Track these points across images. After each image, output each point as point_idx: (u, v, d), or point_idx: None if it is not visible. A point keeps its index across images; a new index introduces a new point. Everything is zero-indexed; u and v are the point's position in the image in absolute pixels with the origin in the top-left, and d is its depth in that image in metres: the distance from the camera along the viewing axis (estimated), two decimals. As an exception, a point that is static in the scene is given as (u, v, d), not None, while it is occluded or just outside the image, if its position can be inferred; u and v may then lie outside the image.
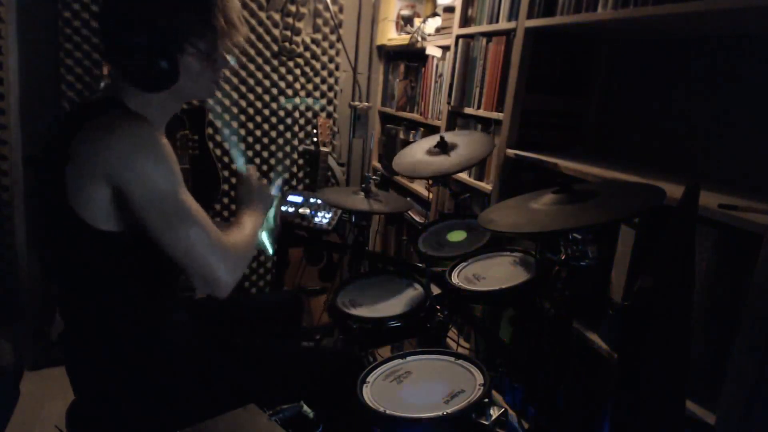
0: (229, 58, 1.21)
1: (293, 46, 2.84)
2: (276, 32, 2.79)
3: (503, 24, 1.94)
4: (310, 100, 1.43)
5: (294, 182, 3.04)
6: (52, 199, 1.08)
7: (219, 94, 2.73)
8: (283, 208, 2.29)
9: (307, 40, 2.87)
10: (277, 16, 2.78)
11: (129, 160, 1.01)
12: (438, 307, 1.64)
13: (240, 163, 1.49)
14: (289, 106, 1.42)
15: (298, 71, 2.88)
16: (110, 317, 1.14)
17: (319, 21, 2.87)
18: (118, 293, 1.13)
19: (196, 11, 1.09)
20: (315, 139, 2.75)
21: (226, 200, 2.88)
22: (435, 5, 2.63)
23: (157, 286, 1.20)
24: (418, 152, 1.92)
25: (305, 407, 1.04)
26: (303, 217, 2.29)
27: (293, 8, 2.78)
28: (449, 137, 1.88)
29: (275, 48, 2.80)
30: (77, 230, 1.05)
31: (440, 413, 1.02)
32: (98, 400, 1.17)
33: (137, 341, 1.17)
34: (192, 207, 1.08)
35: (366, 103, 2.79)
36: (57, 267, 1.16)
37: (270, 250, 1.49)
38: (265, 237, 1.49)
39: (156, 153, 1.04)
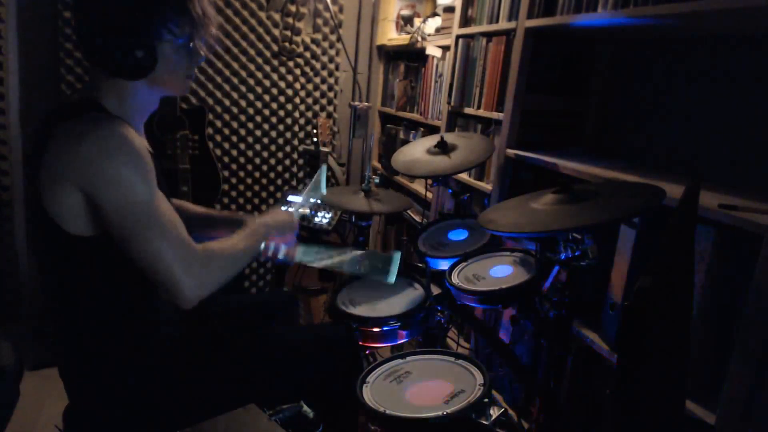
0: (202, 53, 1.19)
1: (293, 46, 2.84)
2: (276, 32, 2.79)
3: (503, 24, 1.94)
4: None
5: (294, 182, 3.04)
6: (31, 204, 1.07)
7: (219, 94, 2.73)
8: (283, 208, 2.29)
9: (307, 40, 2.87)
10: (277, 16, 2.78)
11: (98, 166, 0.99)
12: (438, 307, 1.64)
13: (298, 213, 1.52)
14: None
15: (298, 71, 2.88)
16: (98, 320, 1.12)
17: (319, 21, 2.87)
18: (104, 295, 1.11)
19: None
20: (315, 139, 2.75)
21: (225, 200, 2.88)
22: (435, 5, 2.63)
23: (144, 287, 1.19)
24: (417, 151, 1.92)
25: (305, 407, 1.04)
26: (303, 217, 2.29)
27: (293, 8, 2.78)
28: (449, 138, 1.88)
29: (275, 48, 2.80)
30: (54, 234, 1.04)
31: (440, 413, 1.03)
32: (93, 402, 1.17)
33: (129, 343, 1.16)
34: (161, 216, 1.05)
35: (366, 103, 2.79)
36: (43, 268, 1.15)
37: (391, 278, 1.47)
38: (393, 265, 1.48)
39: (127, 160, 1.02)
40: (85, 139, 1.00)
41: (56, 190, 1.01)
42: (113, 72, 1.08)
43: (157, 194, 1.06)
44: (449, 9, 2.40)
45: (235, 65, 2.73)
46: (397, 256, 1.50)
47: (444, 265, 1.68)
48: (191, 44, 1.14)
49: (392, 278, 1.45)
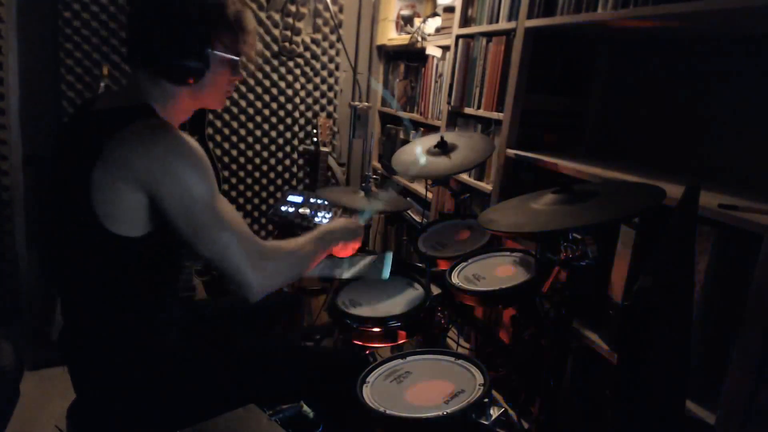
0: (242, 71, 1.26)
1: (293, 46, 2.84)
2: (276, 32, 2.79)
3: (503, 24, 1.94)
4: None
5: (294, 182, 3.04)
6: (70, 201, 1.09)
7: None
8: (283, 208, 2.29)
9: (307, 40, 2.87)
10: (277, 16, 2.78)
11: (169, 168, 1.03)
12: (438, 307, 1.64)
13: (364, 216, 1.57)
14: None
15: (298, 71, 2.88)
16: (111, 317, 1.14)
17: (319, 21, 2.87)
18: (121, 294, 1.13)
19: (231, 13, 1.14)
20: (315, 139, 2.75)
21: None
22: (435, 5, 2.63)
23: (159, 288, 1.20)
24: (417, 151, 1.92)
25: (305, 407, 1.04)
26: (303, 217, 2.29)
27: (293, 8, 2.78)
28: (449, 138, 1.88)
29: (275, 48, 2.80)
30: (93, 233, 1.05)
31: (440, 413, 1.02)
32: (99, 400, 1.17)
33: (137, 341, 1.17)
34: (226, 213, 1.10)
35: (366, 103, 2.79)
36: (62, 266, 1.16)
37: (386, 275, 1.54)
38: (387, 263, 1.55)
39: (194, 161, 1.06)
40: (157, 143, 1.03)
41: (115, 189, 1.03)
42: (164, 75, 1.12)
43: (219, 194, 1.11)
44: (449, 9, 2.40)
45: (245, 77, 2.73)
46: (389, 254, 1.58)
47: (444, 265, 1.67)
48: (237, 59, 1.19)
49: (387, 274, 1.53)
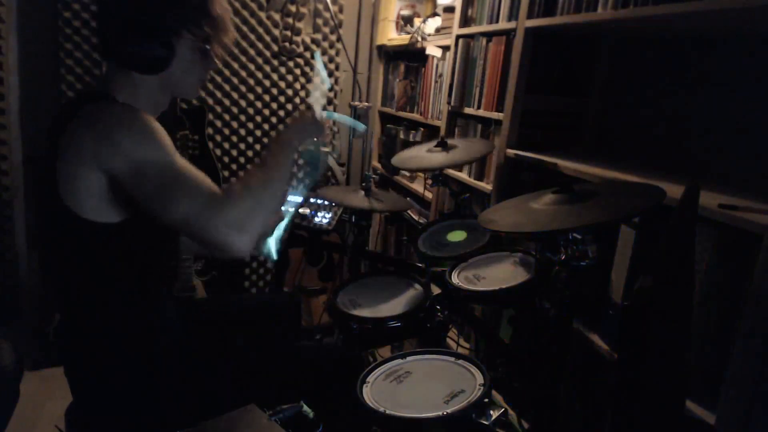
0: (217, 59, 1.22)
1: (293, 46, 2.84)
2: (276, 32, 2.79)
3: (503, 24, 1.94)
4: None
5: (294, 182, 3.04)
6: (45, 195, 1.08)
7: (219, 94, 2.73)
8: (283, 209, 2.29)
9: (307, 40, 2.87)
10: (277, 16, 2.78)
11: (113, 139, 1.01)
12: (438, 307, 1.64)
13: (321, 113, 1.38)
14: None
15: (298, 71, 2.88)
16: (105, 315, 1.14)
17: (319, 21, 2.87)
18: (113, 291, 1.13)
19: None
20: (315, 139, 2.75)
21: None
22: (435, 5, 2.63)
23: (150, 280, 1.19)
24: (417, 150, 1.93)
25: (305, 407, 1.04)
26: (303, 217, 2.29)
27: (293, 8, 2.78)
28: (450, 141, 1.88)
29: (275, 48, 2.80)
30: (69, 224, 1.05)
31: (440, 413, 1.02)
32: (96, 401, 1.17)
33: (134, 340, 1.17)
34: (181, 175, 1.04)
35: (366, 103, 2.79)
36: (52, 263, 1.16)
37: (274, 256, 1.43)
38: (271, 243, 1.44)
39: (140, 128, 1.03)
40: (100, 118, 1.02)
41: (75, 175, 1.02)
42: (128, 64, 1.10)
43: (175, 156, 1.06)
44: (449, 9, 2.40)
45: (235, 65, 2.73)
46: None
47: (444, 265, 1.67)
48: (207, 47, 1.16)
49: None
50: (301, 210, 2.24)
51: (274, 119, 2.89)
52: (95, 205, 1.04)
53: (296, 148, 1.23)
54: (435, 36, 2.52)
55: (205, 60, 1.18)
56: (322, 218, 2.39)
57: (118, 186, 1.03)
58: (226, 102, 2.76)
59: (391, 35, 2.97)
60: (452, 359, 1.22)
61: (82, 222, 1.04)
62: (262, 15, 2.74)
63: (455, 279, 1.53)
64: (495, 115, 1.98)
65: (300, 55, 2.86)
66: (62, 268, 1.14)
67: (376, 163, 3.27)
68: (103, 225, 1.06)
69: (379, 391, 1.12)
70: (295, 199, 2.43)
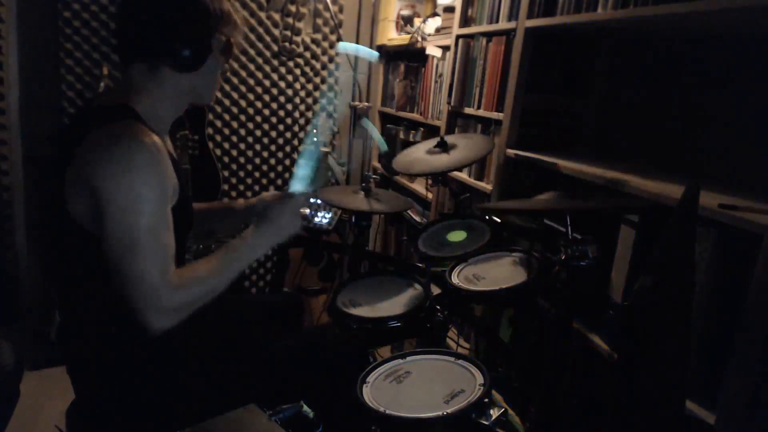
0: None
1: (293, 46, 2.84)
2: (276, 32, 2.79)
3: (503, 24, 1.94)
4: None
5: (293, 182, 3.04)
6: (51, 197, 1.10)
7: (219, 94, 2.73)
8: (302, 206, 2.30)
9: (307, 40, 2.87)
10: (277, 16, 2.78)
11: (117, 177, 1.01)
12: (438, 307, 1.64)
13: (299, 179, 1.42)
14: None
15: (298, 71, 2.88)
16: (108, 315, 1.14)
17: (319, 21, 2.87)
18: (112, 292, 1.13)
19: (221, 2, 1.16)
20: (315, 139, 2.75)
21: (226, 200, 2.87)
22: (435, 5, 2.63)
23: None
24: (417, 152, 1.92)
25: (305, 407, 1.04)
26: (303, 217, 2.29)
27: (293, 8, 2.78)
28: (449, 139, 1.88)
29: (275, 48, 2.80)
30: (70, 229, 1.06)
31: (440, 413, 1.03)
32: (97, 400, 1.17)
33: (135, 340, 1.17)
34: (153, 243, 1.04)
35: (366, 103, 2.79)
36: (55, 264, 1.17)
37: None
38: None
39: (149, 176, 1.03)
40: (114, 150, 1.02)
41: (79, 190, 1.04)
42: (167, 62, 1.11)
43: (161, 222, 1.06)
44: (449, 9, 2.40)
45: (235, 65, 2.73)
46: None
47: (444, 265, 1.67)
48: (230, 47, 1.21)
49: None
50: (301, 210, 2.24)
51: (274, 119, 2.89)
52: (88, 217, 1.05)
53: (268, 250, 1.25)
54: (435, 36, 2.52)
55: (226, 57, 1.23)
56: (322, 218, 2.39)
57: (101, 216, 1.03)
58: (226, 102, 2.76)
59: (391, 35, 2.97)
60: (452, 359, 1.22)
61: (83, 232, 1.06)
62: (262, 15, 2.74)
63: (455, 279, 1.53)
64: (495, 115, 1.98)
65: (300, 55, 2.86)
66: (66, 269, 1.15)
67: (376, 163, 3.27)
68: (93, 234, 1.06)
69: (379, 391, 1.12)
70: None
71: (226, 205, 1.51)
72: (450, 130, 2.33)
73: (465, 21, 2.22)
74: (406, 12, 2.92)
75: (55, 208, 1.08)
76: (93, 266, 1.10)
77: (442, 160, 1.79)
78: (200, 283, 1.12)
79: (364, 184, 1.83)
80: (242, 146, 2.85)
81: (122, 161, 1.01)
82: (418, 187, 2.76)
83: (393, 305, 1.55)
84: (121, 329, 1.15)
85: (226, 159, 2.83)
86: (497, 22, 1.99)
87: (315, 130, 1.44)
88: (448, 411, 1.03)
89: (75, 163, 1.04)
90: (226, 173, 2.84)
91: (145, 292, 1.03)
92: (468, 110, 2.17)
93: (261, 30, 2.75)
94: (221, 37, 1.18)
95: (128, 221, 1.02)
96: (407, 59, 2.88)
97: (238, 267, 1.19)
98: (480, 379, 1.13)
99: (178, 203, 1.14)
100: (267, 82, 2.82)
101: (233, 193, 2.89)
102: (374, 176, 1.92)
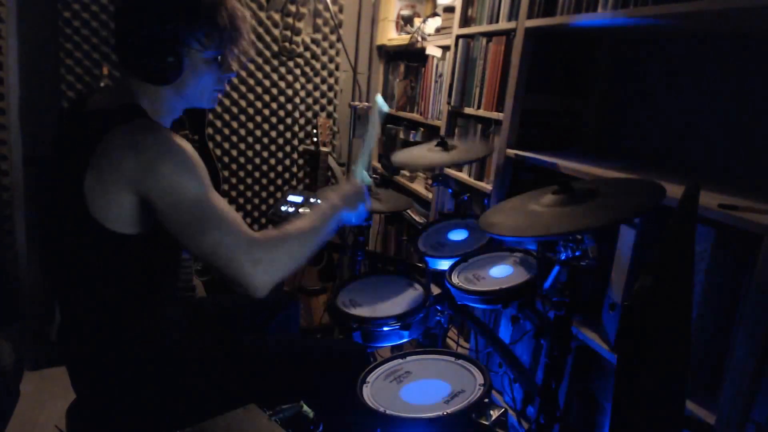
0: (234, 68, 1.23)
1: (293, 46, 2.84)
2: (276, 32, 2.79)
3: (503, 24, 1.94)
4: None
5: (294, 182, 3.04)
6: (66, 201, 1.09)
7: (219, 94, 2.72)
8: (283, 208, 2.29)
9: (307, 40, 2.87)
10: (277, 16, 2.78)
11: (156, 169, 1.02)
12: (438, 307, 1.64)
13: (362, 175, 1.45)
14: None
15: (298, 71, 2.88)
16: (109, 316, 1.14)
17: (319, 21, 2.87)
18: (119, 293, 1.13)
19: (202, 9, 1.11)
20: (315, 139, 2.75)
21: (226, 200, 2.87)
22: (435, 5, 2.63)
23: (158, 286, 1.20)
24: (417, 150, 1.93)
25: (305, 407, 1.04)
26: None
27: (293, 8, 2.78)
28: (449, 142, 1.88)
29: (275, 48, 2.80)
30: (89, 231, 1.06)
31: (440, 413, 1.02)
32: (97, 400, 1.17)
33: (136, 340, 1.17)
34: (217, 209, 1.07)
35: (366, 103, 2.79)
36: (60, 264, 1.16)
37: (368, 179, 1.45)
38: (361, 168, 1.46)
39: (180, 160, 1.05)
40: (142, 146, 1.03)
41: (107, 191, 1.04)
42: (142, 76, 1.11)
43: (211, 190, 1.09)
44: (449, 9, 2.40)
45: (238, 74, 2.73)
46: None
47: (444, 265, 1.68)
48: (219, 57, 1.17)
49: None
50: (301, 210, 2.24)
51: (274, 119, 2.89)
52: (122, 219, 1.06)
53: (341, 220, 1.28)
54: (435, 36, 2.52)
55: (219, 70, 1.19)
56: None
57: (151, 209, 1.06)
58: (226, 102, 2.76)
59: (391, 35, 2.97)
60: (452, 359, 1.22)
61: (104, 231, 1.06)
62: (262, 15, 2.74)
63: (455, 279, 1.53)
64: (495, 115, 1.98)
65: (300, 55, 2.87)
66: (72, 270, 1.14)
67: (376, 163, 3.27)
68: (123, 235, 1.07)
69: (379, 391, 1.12)
70: (295, 199, 2.44)
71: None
72: (450, 130, 2.33)
73: (465, 21, 2.22)
74: (406, 12, 2.92)
75: (71, 210, 1.07)
76: (104, 267, 1.10)
77: (441, 157, 1.79)
78: (287, 238, 1.13)
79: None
80: (242, 146, 2.85)
81: (156, 155, 1.03)
82: (418, 187, 2.76)
83: (393, 305, 1.55)
84: (121, 329, 1.15)
85: (226, 159, 2.83)
86: (497, 22, 1.99)
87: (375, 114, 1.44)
88: (448, 411, 1.03)
89: (97, 166, 1.03)
90: (226, 173, 2.84)
91: (236, 250, 1.05)
92: (468, 110, 2.17)
93: (261, 30, 2.75)
94: (198, 48, 1.13)
95: (184, 203, 1.04)
96: (407, 59, 2.88)
97: (315, 238, 1.20)
98: (480, 379, 1.13)
99: None
100: (267, 82, 2.82)
101: (233, 193, 2.89)
102: (374, 176, 1.92)
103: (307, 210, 2.33)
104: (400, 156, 1.91)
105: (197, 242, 1.05)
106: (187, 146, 1.08)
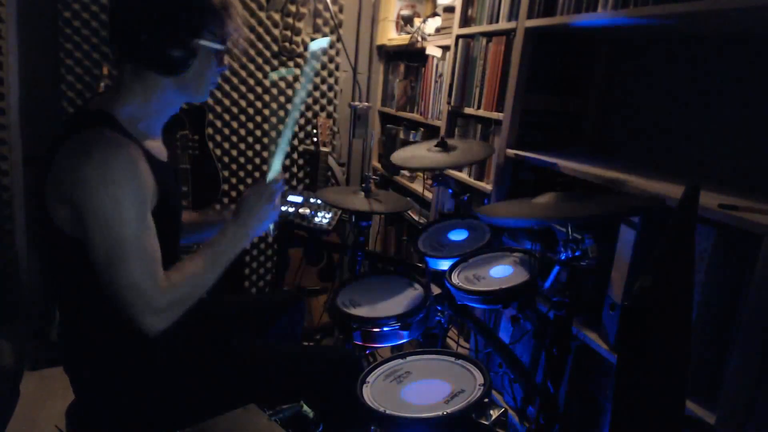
0: (227, 62, 1.23)
1: (293, 46, 2.84)
2: (276, 32, 2.79)
3: (503, 24, 1.94)
4: (283, 71, 1.38)
5: (294, 182, 3.04)
6: (37, 203, 1.10)
7: (219, 94, 2.73)
8: (283, 208, 2.30)
9: (307, 40, 2.87)
10: (277, 16, 2.78)
11: (92, 191, 1.01)
12: (438, 307, 1.64)
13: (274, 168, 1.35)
14: (275, 77, 1.32)
15: (298, 71, 2.88)
16: (108, 315, 1.14)
17: (319, 21, 2.87)
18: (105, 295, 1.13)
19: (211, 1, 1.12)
20: (315, 139, 2.75)
21: (226, 200, 2.88)
22: (435, 5, 2.63)
23: None
24: (417, 150, 1.92)
25: (305, 407, 1.04)
26: (303, 217, 2.29)
27: (293, 8, 2.78)
28: (449, 142, 1.88)
29: (275, 48, 2.80)
30: (56, 235, 1.07)
31: (440, 413, 1.02)
32: (97, 400, 1.17)
33: (135, 340, 1.17)
34: (139, 250, 1.05)
35: (366, 103, 2.79)
36: (53, 264, 1.16)
37: (271, 234, 1.41)
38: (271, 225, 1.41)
39: (125, 185, 1.03)
40: (86, 162, 1.01)
41: (59, 198, 1.04)
42: (149, 65, 1.10)
43: (144, 228, 1.07)
44: (449, 9, 2.40)
45: (235, 65, 2.73)
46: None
47: (444, 265, 1.68)
48: (223, 49, 1.18)
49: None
50: (301, 210, 2.24)
51: (274, 119, 2.89)
52: (71, 225, 1.06)
53: (250, 236, 1.25)
54: (435, 36, 2.52)
55: (219, 62, 1.20)
56: (322, 218, 2.39)
57: (79, 226, 1.04)
58: (226, 102, 2.76)
59: (391, 35, 2.97)
60: (452, 359, 1.22)
61: (63, 235, 1.06)
62: (262, 15, 2.74)
63: (455, 279, 1.53)
64: (495, 115, 1.98)
65: (300, 55, 2.87)
66: (57, 272, 1.14)
67: (376, 163, 3.27)
68: (77, 240, 1.06)
69: (379, 391, 1.12)
70: (295, 199, 2.44)
71: (216, 218, 1.50)
72: (450, 130, 2.33)
73: (465, 21, 2.22)
74: (406, 12, 2.92)
75: (39, 212, 1.08)
76: (80, 270, 1.09)
77: (441, 158, 1.79)
78: (189, 281, 1.14)
79: (363, 185, 1.83)
80: (242, 146, 2.85)
81: (97, 173, 1.01)
82: (418, 187, 2.76)
83: (393, 305, 1.55)
84: (118, 330, 1.15)
85: (226, 159, 2.83)
86: (497, 22, 1.99)
87: (290, 123, 1.37)
88: (448, 411, 1.03)
89: (53, 170, 1.04)
90: (226, 173, 2.84)
91: (137, 298, 1.04)
92: (468, 110, 2.17)
93: (261, 30, 2.75)
94: (207, 39, 1.14)
95: (111, 232, 1.02)
96: (407, 59, 2.88)
97: (224, 261, 1.20)
98: (480, 379, 1.13)
99: (159, 204, 1.14)
100: (267, 82, 2.82)
101: (233, 193, 2.89)
102: (374, 177, 1.92)
103: (307, 211, 2.33)
104: (400, 156, 1.90)
105: (110, 274, 1.04)
106: (138, 169, 1.06)
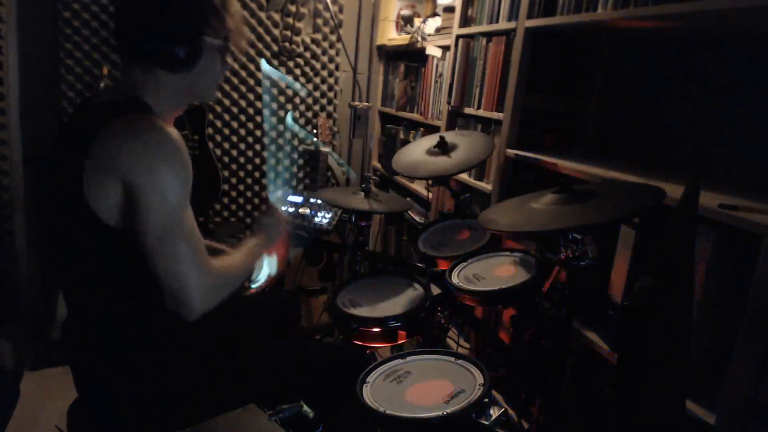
0: (229, 61, 1.24)
1: (293, 46, 2.84)
2: (276, 32, 2.79)
3: (503, 24, 1.94)
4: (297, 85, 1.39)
5: (294, 182, 3.04)
6: (66, 191, 1.09)
7: (219, 94, 2.73)
8: (283, 208, 2.30)
9: (307, 40, 2.87)
10: (277, 16, 2.78)
11: (149, 167, 1.02)
12: (438, 307, 1.64)
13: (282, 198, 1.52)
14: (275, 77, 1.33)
15: (298, 71, 2.88)
16: (111, 315, 1.14)
17: (319, 21, 2.87)
18: (120, 291, 1.13)
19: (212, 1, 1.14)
20: (315, 139, 2.75)
21: (226, 200, 2.88)
22: (435, 5, 2.63)
23: (158, 289, 1.20)
24: (417, 151, 1.92)
25: (305, 407, 1.04)
26: (303, 217, 2.29)
27: (293, 8, 2.78)
28: (449, 137, 1.88)
29: (275, 48, 2.80)
30: (87, 222, 1.06)
31: (440, 413, 1.02)
32: (99, 399, 1.17)
33: (138, 340, 1.17)
34: (188, 225, 1.07)
35: (366, 103, 2.79)
36: (63, 264, 1.16)
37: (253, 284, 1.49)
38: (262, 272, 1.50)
39: (176, 165, 1.05)
40: (140, 137, 1.03)
41: (101, 180, 1.03)
42: (156, 62, 1.11)
43: (189, 205, 1.09)
44: (449, 9, 2.40)
45: (235, 65, 2.73)
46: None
47: (444, 265, 1.68)
48: (228, 46, 1.19)
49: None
50: (301, 210, 2.24)
51: (273, 119, 2.89)
52: (111, 209, 1.05)
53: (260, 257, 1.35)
54: (435, 36, 2.52)
55: (224, 59, 1.21)
56: (322, 218, 2.40)
57: (130, 205, 1.04)
58: (226, 102, 2.76)
59: (391, 35, 2.97)
60: (452, 359, 1.22)
61: (97, 221, 1.05)
62: (262, 15, 2.74)
63: (455, 279, 1.53)
64: (495, 115, 1.98)
65: (300, 55, 2.87)
66: (74, 268, 1.14)
67: (376, 163, 3.27)
68: (114, 229, 1.06)
69: (379, 391, 1.12)
70: (295, 199, 2.44)
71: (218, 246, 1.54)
72: (450, 130, 2.33)
73: (465, 21, 2.22)
74: (406, 12, 2.92)
75: (71, 201, 1.07)
76: (106, 262, 1.10)
77: (443, 164, 1.79)
78: (228, 272, 1.16)
79: (363, 185, 1.83)
80: (242, 146, 2.85)
81: (152, 152, 1.02)
82: (418, 187, 2.76)
83: (393, 305, 1.55)
84: (123, 328, 1.15)
85: (226, 159, 2.83)
86: (497, 22, 1.99)
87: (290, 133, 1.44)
88: (448, 411, 1.03)
89: (94, 155, 1.03)
90: (226, 173, 2.84)
91: (189, 274, 1.05)
92: (468, 110, 2.17)
93: (261, 30, 2.75)
94: (212, 36, 1.15)
95: (169, 207, 1.03)
96: (407, 59, 2.88)
97: (250, 267, 1.27)
98: (480, 379, 1.13)
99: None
100: (267, 82, 2.82)
101: (233, 193, 2.89)
102: (374, 177, 1.92)
103: (307, 211, 2.33)
104: (401, 163, 1.89)
105: (159, 250, 1.04)
106: (184, 152, 1.08)
